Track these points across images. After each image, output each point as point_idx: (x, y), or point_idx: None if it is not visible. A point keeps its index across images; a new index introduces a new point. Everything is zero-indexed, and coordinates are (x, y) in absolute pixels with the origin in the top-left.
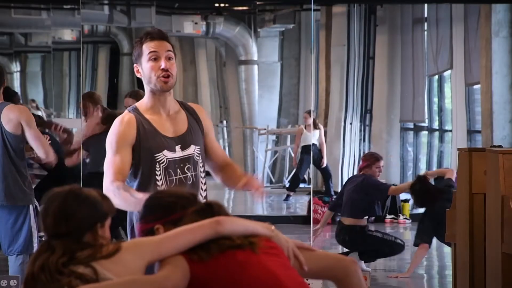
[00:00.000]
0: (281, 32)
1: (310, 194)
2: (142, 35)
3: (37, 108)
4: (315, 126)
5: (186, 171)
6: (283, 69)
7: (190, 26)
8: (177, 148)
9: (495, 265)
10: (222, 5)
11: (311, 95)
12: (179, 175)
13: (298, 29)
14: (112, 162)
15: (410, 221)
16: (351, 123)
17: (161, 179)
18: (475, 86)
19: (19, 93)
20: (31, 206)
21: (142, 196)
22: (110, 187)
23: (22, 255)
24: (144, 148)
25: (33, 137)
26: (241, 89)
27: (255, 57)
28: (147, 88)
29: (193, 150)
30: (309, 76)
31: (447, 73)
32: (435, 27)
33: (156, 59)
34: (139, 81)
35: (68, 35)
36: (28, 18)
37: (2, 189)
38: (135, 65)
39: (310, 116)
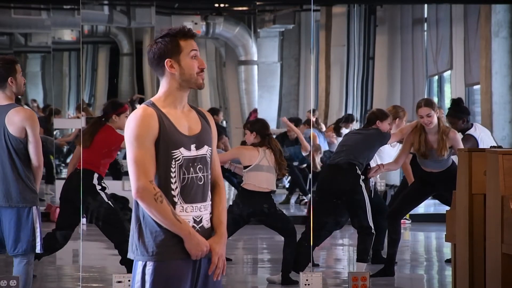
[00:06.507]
0: (281, 33)
1: (310, 194)
2: (174, 32)
3: (38, 108)
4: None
5: (198, 171)
6: (283, 70)
7: (190, 26)
8: (192, 147)
9: (495, 266)
10: (222, 5)
11: (311, 95)
12: (192, 174)
13: (298, 30)
14: (143, 159)
15: (410, 221)
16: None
17: (175, 176)
18: (475, 87)
19: None
20: (34, 208)
21: (184, 224)
22: (150, 189)
23: (26, 255)
24: (164, 143)
25: (32, 144)
26: (241, 89)
27: (255, 58)
28: (173, 83)
29: (206, 150)
30: (309, 77)
31: (447, 74)
32: (435, 27)
33: (195, 57)
34: (139, 81)
35: (68, 35)
36: (28, 18)
37: (2, 191)
38: (167, 59)
39: (311, 115)
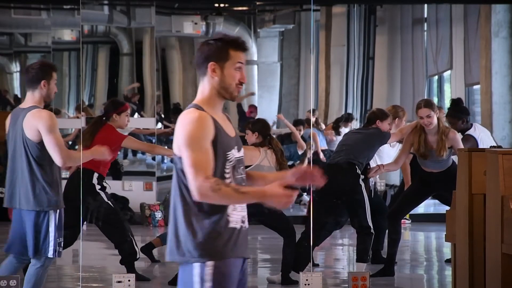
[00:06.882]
0: (281, 33)
1: (310, 194)
2: (228, 40)
3: None
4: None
5: (242, 172)
6: (283, 69)
7: (190, 26)
8: (236, 148)
9: (495, 265)
10: (222, 5)
11: (311, 95)
12: (239, 175)
13: (298, 29)
14: (201, 159)
15: (410, 221)
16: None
17: (229, 177)
18: (475, 87)
19: (19, 93)
20: (51, 212)
21: (250, 190)
22: (206, 184)
23: (39, 259)
24: (220, 145)
25: (49, 144)
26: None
27: (255, 57)
28: (213, 89)
29: (243, 153)
30: (309, 76)
31: (447, 74)
32: (435, 27)
33: (239, 69)
34: (139, 81)
35: (68, 35)
36: (28, 18)
37: (19, 193)
38: (212, 63)
39: (311, 115)
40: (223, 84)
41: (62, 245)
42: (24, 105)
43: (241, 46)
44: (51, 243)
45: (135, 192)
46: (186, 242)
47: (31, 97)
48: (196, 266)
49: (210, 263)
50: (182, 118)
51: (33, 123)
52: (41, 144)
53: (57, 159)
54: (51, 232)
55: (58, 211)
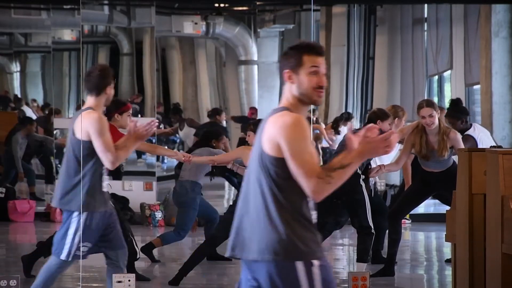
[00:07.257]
0: (281, 32)
1: None
2: (302, 45)
3: (38, 107)
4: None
5: None
6: None
7: (190, 26)
8: None
9: (495, 265)
10: (222, 5)
11: None
12: None
13: (298, 29)
14: (309, 160)
15: (410, 221)
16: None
17: None
18: (475, 87)
19: (19, 93)
20: (75, 213)
21: (349, 159)
22: (320, 181)
23: (53, 256)
24: None
25: (97, 148)
26: (241, 89)
27: (255, 57)
28: (293, 95)
29: None
30: None
31: (447, 73)
32: (435, 27)
33: (315, 73)
34: (139, 81)
35: (68, 35)
36: (28, 18)
37: (56, 190)
38: (288, 70)
39: (311, 115)
40: (301, 90)
41: (82, 251)
42: (83, 107)
43: (314, 50)
44: (67, 245)
45: (135, 192)
46: (284, 241)
47: (91, 101)
48: (300, 265)
49: (316, 262)
50: (278, 121)
51: (83, 123)
52: (86, 143)
53: (106, 162)
54: (69, 235)
55: (85, 214)
